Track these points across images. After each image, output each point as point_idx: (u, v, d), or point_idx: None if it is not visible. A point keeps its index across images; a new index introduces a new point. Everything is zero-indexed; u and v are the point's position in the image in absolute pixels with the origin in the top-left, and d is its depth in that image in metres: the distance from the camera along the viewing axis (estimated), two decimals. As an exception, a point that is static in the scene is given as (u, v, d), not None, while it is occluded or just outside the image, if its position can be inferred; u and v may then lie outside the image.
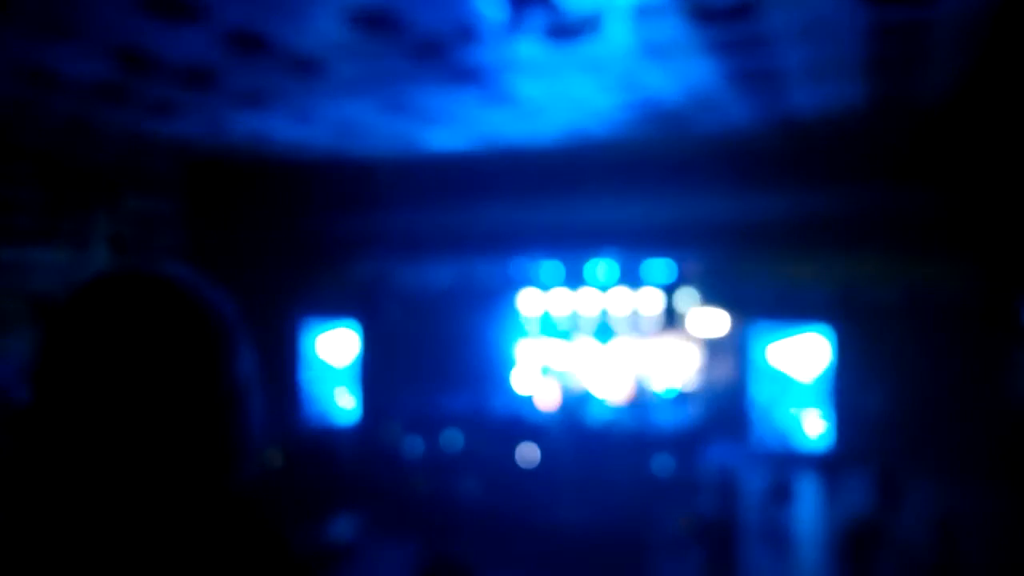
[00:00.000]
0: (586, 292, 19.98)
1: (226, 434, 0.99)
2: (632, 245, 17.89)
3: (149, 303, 0.97)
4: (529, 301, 20.98)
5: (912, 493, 12.61)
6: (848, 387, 16.12)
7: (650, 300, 18.86)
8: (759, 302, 18.15)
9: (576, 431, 15.61)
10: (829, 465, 12.76)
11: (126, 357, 0.92)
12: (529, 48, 10.82)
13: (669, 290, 16.96)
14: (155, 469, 0.93)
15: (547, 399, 19.02)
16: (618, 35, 10.33)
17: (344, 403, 19.42)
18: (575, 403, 18.05)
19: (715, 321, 18.92)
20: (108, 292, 0.99)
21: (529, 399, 19.04)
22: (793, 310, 17.31)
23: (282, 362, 18.87)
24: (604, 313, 20.43)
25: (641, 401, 17.28)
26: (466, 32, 10.15)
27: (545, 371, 20.23)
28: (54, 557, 0.90)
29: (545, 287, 19.96)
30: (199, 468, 0.96)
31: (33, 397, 0.95)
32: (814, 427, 16.12)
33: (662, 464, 12.86)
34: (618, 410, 17.06)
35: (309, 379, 19.37)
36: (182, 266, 1.06)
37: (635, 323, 20.25)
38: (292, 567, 1.02)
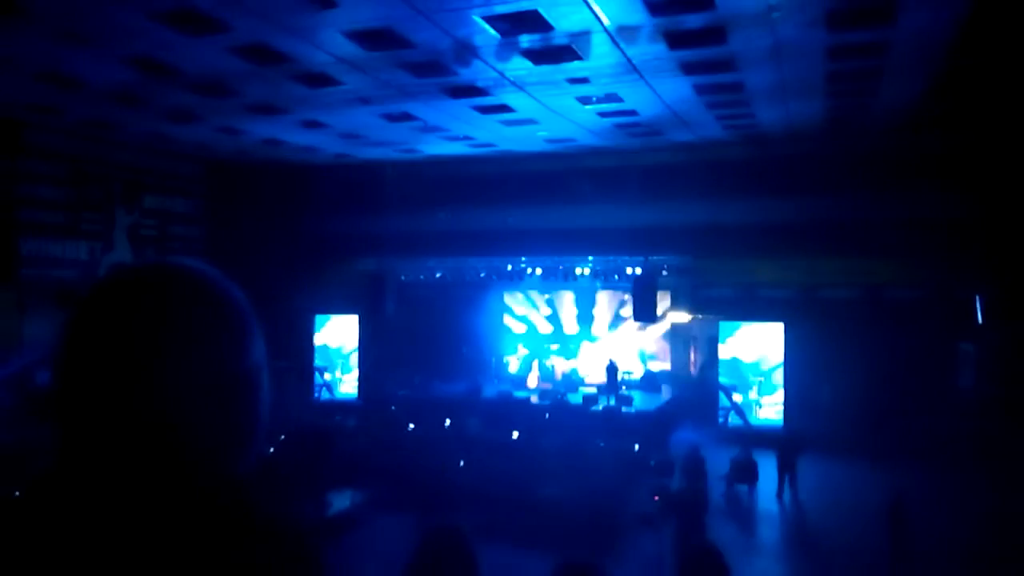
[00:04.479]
0: (569, 287, 20.05)
1: (240, 418, 0.96)
2: (611, 244, 17.93)
3: (168, 291, 0.95)
4: (517, 295, 21.02)
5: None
6: (803, 378, 16.23)
7: (626, 295, 18.90)
8: (725, 298, 18.24)
9: (559, 414, 15.66)
10: (783, 447, 12.87)
11: (146, 343, 0.90)
12: (519, 65, 10.81)
13: (643, 287, 17.03)
14: (173, 452, 0.90)
15: (533, 385, 19.06)
16: (600, 54, 10.33)
17: (347, 387, 19.41)
18: (558, 388, 18.09)
19: (685, 315, 19.00)
20: (129, 282, 0.97)
21: (517, 384, 19.08)
22: (755, 306, 17.41)
23: (291, 349, 18.82)
24: (585, 306, 20.50)
25: (618, 386, 17.35)
26: (462, 50, 10.12)
27: (531, 359, 20.28)
28: (70, 534, 0.88)
29: (532, 282, 19.98)
30: (216, 451, 0.94)
31: (57, 382, 0.92)
32: (773, 413, 16.25)
33: (637, 443, 12.92)
34: (598, 395, 17.12)
35: (315, 365, 19.36)
36: (197, 261, 1.04)
37: (613, 316, 20.31)
38: (290, 545, 0.98)
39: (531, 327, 21.20)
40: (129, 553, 0.87)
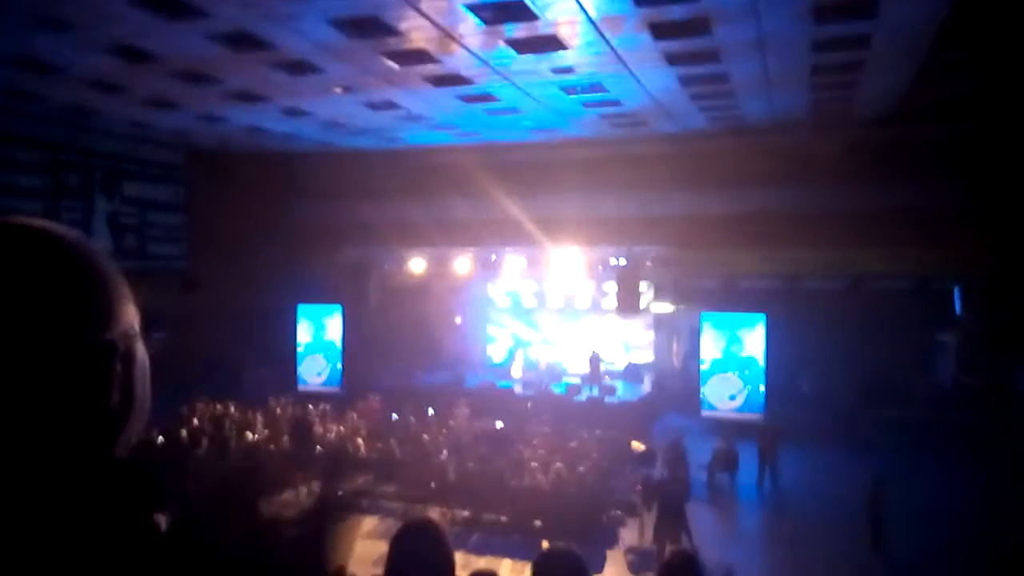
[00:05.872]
0: (552, 278, 20.07)
1: (100, 396, 0.85)
2: (595, 234, 17.94)
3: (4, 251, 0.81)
4: (500, 286, 21.02)
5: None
6: (783, 367, 16.38)
7: (609, 286, 19.00)
8: (707, 289, 18.32)
9: (542, 404, 15.71)
10: (763, 436, 13.01)
11: None
12: (503, 55, 10.77)
13: (627, 277, 17.11)
14: (15, 434, 0.79)
15: (517, 374, 19.10)
16: (584, 44, 10.31)
17: (330, 378, 19.35)
18: (542, 378, 18.14)
19: (667, 306, 19.09)
20: None
21: (500, 374, 19.11)
22: (738, 296, 17.51)
23: (273, 340, 18.70)
24: (568, 297, 20.55)
25: (601, 376, 17.43)
26: (446, 39, 10.07)
27: (514, 349, 20.31)
28: None
29: (514, 273, 19.98)
30: (67, 433, 0.83)
31: None
32: (753, 402, 16.37)
33: (619, 432, 12.99)
34: (581, 385, 17.19)
35: (298, 356, 19.26)
36: (48, 221, 0.87)
37: (596, 306, 20.38)
38: (172, 536, 0.86)
39: (516, 300, 21.26)
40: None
